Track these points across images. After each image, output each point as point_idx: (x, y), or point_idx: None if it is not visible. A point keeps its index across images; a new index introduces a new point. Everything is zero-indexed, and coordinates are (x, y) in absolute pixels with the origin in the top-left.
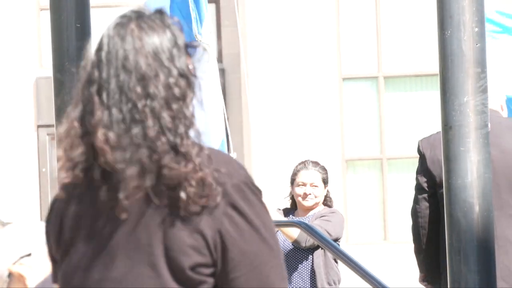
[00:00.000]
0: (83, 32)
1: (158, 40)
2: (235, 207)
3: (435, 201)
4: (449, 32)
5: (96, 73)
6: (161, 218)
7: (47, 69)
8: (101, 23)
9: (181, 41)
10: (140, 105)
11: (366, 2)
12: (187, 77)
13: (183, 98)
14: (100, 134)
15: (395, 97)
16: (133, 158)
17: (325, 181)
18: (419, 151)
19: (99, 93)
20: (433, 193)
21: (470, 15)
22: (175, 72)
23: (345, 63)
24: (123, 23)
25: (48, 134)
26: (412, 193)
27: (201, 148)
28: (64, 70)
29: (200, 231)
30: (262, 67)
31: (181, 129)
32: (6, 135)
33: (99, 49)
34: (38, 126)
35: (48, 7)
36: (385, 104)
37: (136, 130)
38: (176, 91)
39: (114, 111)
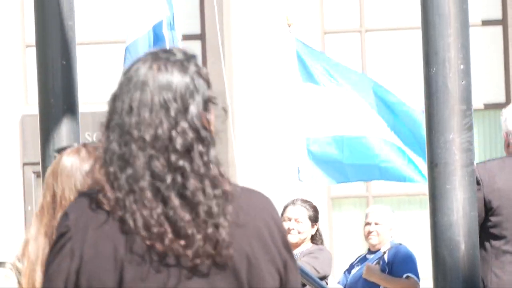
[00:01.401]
0: (69, 69)
1: (173, 86)
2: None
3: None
4: (434, 69)
5: (111, 104)
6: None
7: (33, 106)
8: (86, 60)
9: (201, 92)
10: (134, 146)
11: (353, 38)
12: (198, 131)
13: (186, 153)
14: (99, 168)
15: (377, 50)
16: (123, 199)
17: (312, 219)
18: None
19: (107, 125)
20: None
21: (456, 52)
22: (184, 124)
23: (327, 18)
24: (146, 60)
25: (33, 172)
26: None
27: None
28: (50, 107)
29: None
30: (248, 100)
31: (168, 179)
32: None
33: (123, 75)
34: (24, 164)
35: (34, 44)
36: (367, 57)
37: (129, 171)
38: (178, 142)
39: (113, 145)
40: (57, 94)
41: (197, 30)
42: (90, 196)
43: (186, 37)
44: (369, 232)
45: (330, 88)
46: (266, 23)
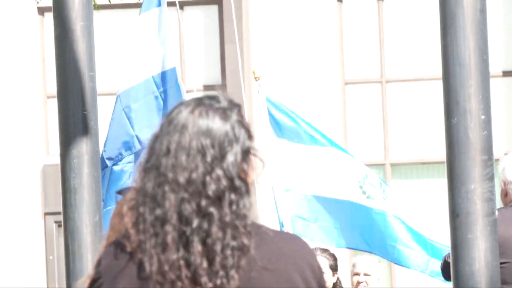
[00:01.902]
0: (90, 119)
1: (212, 132)
2: None
3: None
4: (455, 119)
5: (150, 144)
6: None
7: (54, 157)
8: (107, 110)
9: (241, 141)
10: (167, 188)
11: (368, 8)
12: (232, 179)
13: (217, 200)
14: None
15: (398, 101)
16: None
17: (333, 268)
18: None
19: (144, 165)
20: None
21: (476, 103)
22: (219, 171)
23: (348, 68)
24: (188, 104)
25: (55, 222)
26: (416, 199)
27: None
28: (72, 157)
29: None
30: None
31: (195, 224)
32: (13, 223)
33: (167, 118)
34: (45, 214)
35: (55, 94)
36: (388, 108)
37: (157, 212)
38: (211, 188)
39: (147, 186)
40: (78, 144)
41: (218, 79)
42: (120, 241)
43: (207, 88)
44: (359, 283)
45: (308, 147)
46: (287, 74)
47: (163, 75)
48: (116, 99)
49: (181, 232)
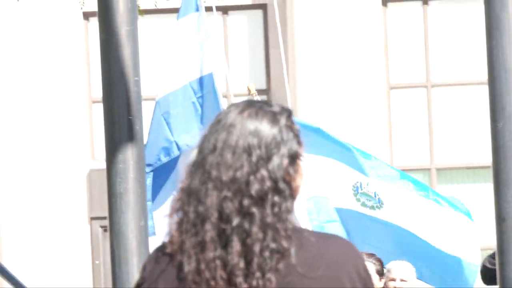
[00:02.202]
0: (135, 124)
1: (260, 133)
2: None
3: None
4: (501, 124)
5: (199, 144)
6: None
7: (100, 161)
8: (151, 115)
9: (289, 145)
10: (210, 185)
11: (413, 11)
12: (277, 181)
13: (260, 200)
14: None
15: (444, 105)
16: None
17: (380, 273)
18: None
19: (192, 164)
20: None
21: None
22: (264, 172)
23: (393, 73)
24: (238, 105)
25: (101, 226)
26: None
27: None
28: (117, 162)
29: None
30: (309, 80)
31: (235, 222)
32: (60, 228)
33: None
34: (91, 218)
35: (100, 99)
36: (433, 112)
37: (200, 209)
38: (254, 187)
39: (192, 184)
40: (123, 149)
41: (262, 84)
42: (163, 244)
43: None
44: None
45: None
46: (332, 78)
47: (201, 80)
48: (155, 105)
49: (221, 231)
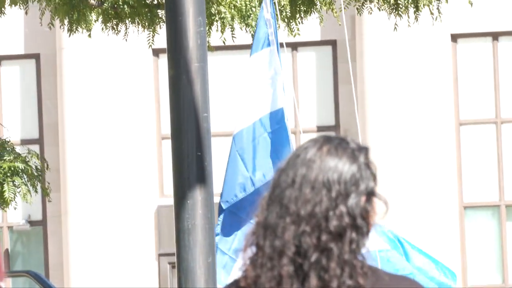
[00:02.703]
0: (204, 160)
1: (339, 169)
2: None
3: None
4: None
5: (275, 177)
6: None
7: (169, 197)
8: (221, 152)
9: (366, 183)
10: (288, 219)
11: (483, 48)
12: (355, 218)
13: (338, 236)
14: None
15: None
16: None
17: None
18: None
19: (267, 198)
20: None
21: None
22: (342, 208)
23: (463, 109)
24: (317, 141)
25: (169, 263)
26: None
27: None
28: (185, 198)
29: None
30: (378, 116)
31: (313, 258)
32: (128, 264)
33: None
34: (159, 255)
35: (170, 135)
36: (503, 148)
37: (276, 243)
38: (333, 223)
39: (269, 218)
40: (192, 185)
41: (331, 120)
42: (237, 279)
43: (320, 129)
44: None
45: None
46: (401, 114)
47: (272, 115)
48: (232, 140)
49: (298, 266)
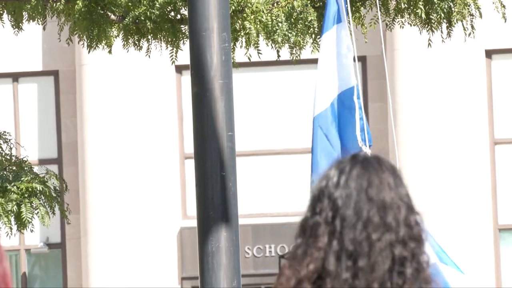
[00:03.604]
0: (229, 181)
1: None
2: None
3: None
4: None
5: (332, 192)
6: None
7: (192, 219)
8: (246, 171)
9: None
10: (374, 236)
11: None
12: (419, 225)
13: (420, 239)
14: (329, 261)
15: None
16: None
17: None
18: None
19: (329, 221)
20: None
21: None
22: (414, 214)
23: (498, 127)
24: (368, 161)
25: (192, 287)
26: None
27: None
28: (209, 220)
29: None
30: (412, 134)
31: (408, 271)
32: (150, 285)
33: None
34: (182, 278)
35: (193, 155)
36: None
37: (362, 262)
38: (416, 230)
39: (346, 238)
40: (216, 206)
41: None
42: None
43: None
44: None
45: None
46: (434, 131)
47: (346, 93)
48: (313, 122)
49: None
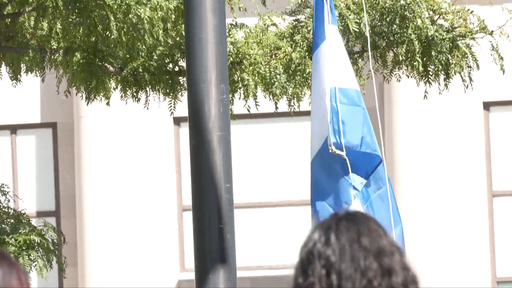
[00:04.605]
0: (227, 233)
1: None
2: None
3: None
4: None
5: (323, 251)
6: None
7: (190, 272)
8: (244, 223)
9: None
10: (376, 283)
11: None
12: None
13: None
14: None
15: None
16: None
17: None
18: None
19: (323, 280)
20: None
21: None
22: (405, 258)
23: (496, 179)
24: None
25: None
26: None
27: None
28: (207, 273)
29: None
30: (408, 185)
31: None
32: None
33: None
34: None
35: (191, 207)
36: None
37: None
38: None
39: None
40: (214, 259)
41: None
42: None
43: None
44: None
45: None
46: (430, 183)
47: (349, 92)
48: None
49: None
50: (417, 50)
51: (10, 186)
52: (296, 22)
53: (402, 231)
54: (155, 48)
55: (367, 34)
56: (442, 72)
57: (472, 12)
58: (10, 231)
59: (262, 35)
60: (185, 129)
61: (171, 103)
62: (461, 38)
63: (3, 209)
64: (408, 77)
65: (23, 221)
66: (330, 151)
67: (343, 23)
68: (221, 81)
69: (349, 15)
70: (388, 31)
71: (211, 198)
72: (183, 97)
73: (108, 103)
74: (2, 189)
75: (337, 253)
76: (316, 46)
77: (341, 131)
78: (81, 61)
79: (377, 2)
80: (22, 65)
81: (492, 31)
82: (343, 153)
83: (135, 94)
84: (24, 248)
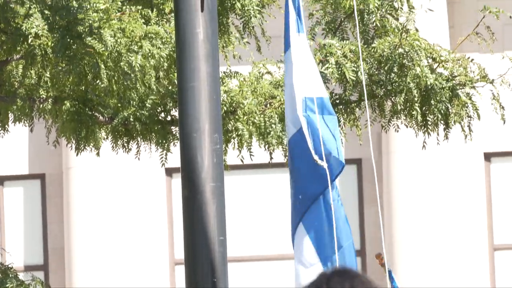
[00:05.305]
0: (220, 286)
1: None
2: None
3: None
4: None
5: None
6: None
7: None
8: (238, 278)
9: None
10: None
11: None
12: None
13: None
14: None
15: None
16: None
17: None
18: None
19: None
20: None
21: None
22: None
23: (497, 233)
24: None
25: None
26: None
27: None
28: None
29: None
30: (407, 240)
31: None
32: None
33: None
34: None
35: (183, 261)
36: None
37: None
38: None
39: None
40: None
41: (356, 245)
42: None
43: None
44: None
45: None
46: (430, 236)
47: (319, 100)
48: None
49: None
50: (416, 99)
51: None
52: None
53: (352, 246)
54: (147, 97)
55: (364, 82)
56: (442, 121)
57: (472, 60)
58: None
59: (257, 84)
60: (177, 180)
61: (162, 153)
62: (461, 87)
63: None
64: (407, 127)
65: (10, 275)
66: (315, 161)
67: (339, 71)
68: (214, 131)
69: (346, 63)
70: (386, 80)
71: (204, 251)
72: (175, 148)
73: (98, 154)
74: None
75: None
76: (285, 52)
77: (321, 141)
78: (70, 110)
79: (375, 50)
80: (10, 114)
81: (493, 80)
82: (324, 164)
83: (126, 144)
84: None
